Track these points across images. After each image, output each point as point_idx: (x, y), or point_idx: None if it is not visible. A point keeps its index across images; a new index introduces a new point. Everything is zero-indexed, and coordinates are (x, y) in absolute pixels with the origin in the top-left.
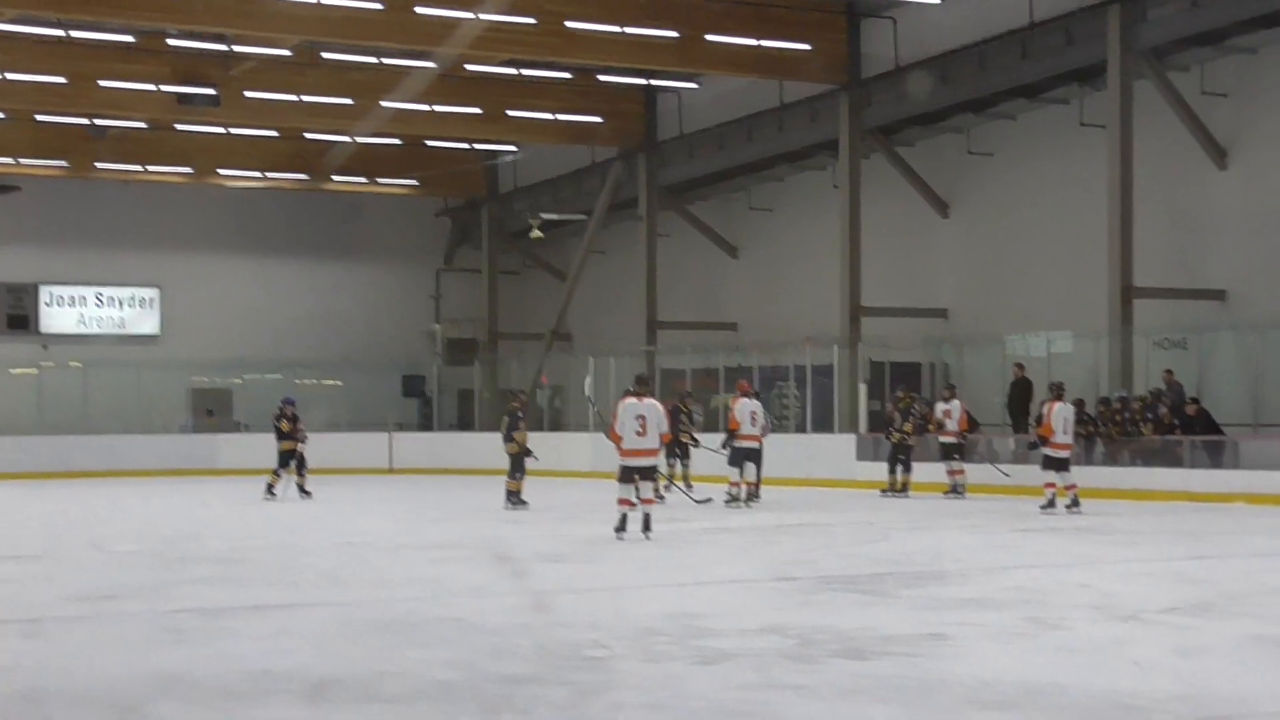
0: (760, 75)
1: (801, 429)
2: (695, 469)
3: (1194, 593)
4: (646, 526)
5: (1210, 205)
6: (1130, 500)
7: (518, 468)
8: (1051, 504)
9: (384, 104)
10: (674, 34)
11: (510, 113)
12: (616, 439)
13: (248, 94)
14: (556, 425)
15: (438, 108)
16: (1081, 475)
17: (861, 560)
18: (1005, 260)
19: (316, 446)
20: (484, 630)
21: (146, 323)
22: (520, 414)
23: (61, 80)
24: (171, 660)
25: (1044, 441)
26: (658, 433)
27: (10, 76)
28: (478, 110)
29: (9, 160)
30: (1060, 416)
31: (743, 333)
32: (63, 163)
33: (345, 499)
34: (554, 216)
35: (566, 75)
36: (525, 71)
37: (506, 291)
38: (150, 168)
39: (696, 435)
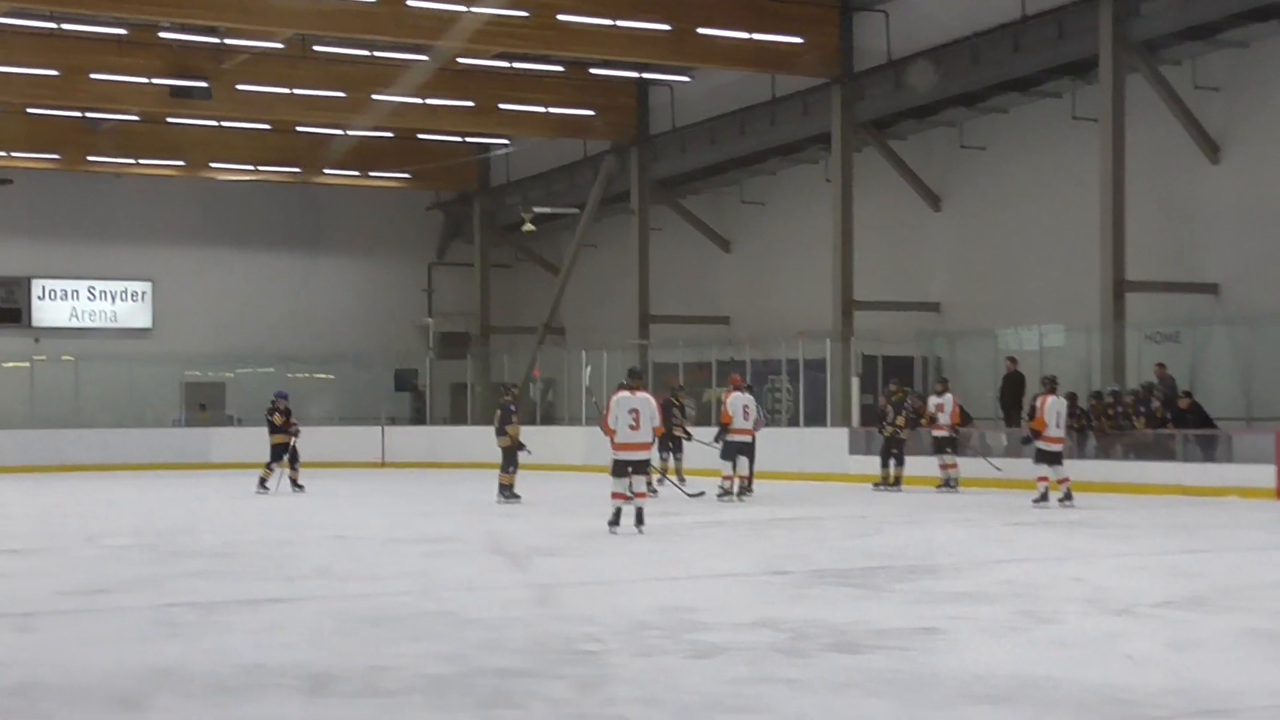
0: (752, 69)
1: (794, 423)
2: (688, 463)
3: (1187, 586)
4: (639, 520)
5: (1202, 199)
6: (1123, 494)
7: (510, 461)
8: (1044, 498)
9: (377, 97)
10: (666, 27)
11: (502, 106)
12: (610, 432)
13: (240, 87)
14: (549, 419)
15: (430, 101)
16: (1074, 469)
17: (854, 554)
18: (997, 254)
19: (309, 440)
20: (477, 624)
21: (139, 316)
22: (513, 407)
23: (53, 73)
24: (165, 654)
25: (1037, 435)
26: (650, 426)
27: (2, 69)
28: (470, 103)
29: (1, 153)
30: (1053, 410)
31: (735, 326)
32: (55, 156)
33: (338, 493)
34: (546, 210)
35: (559, 69)
36: (518, 65)
37: (499, 285)
38: (142, 161)
39: (689, 429)
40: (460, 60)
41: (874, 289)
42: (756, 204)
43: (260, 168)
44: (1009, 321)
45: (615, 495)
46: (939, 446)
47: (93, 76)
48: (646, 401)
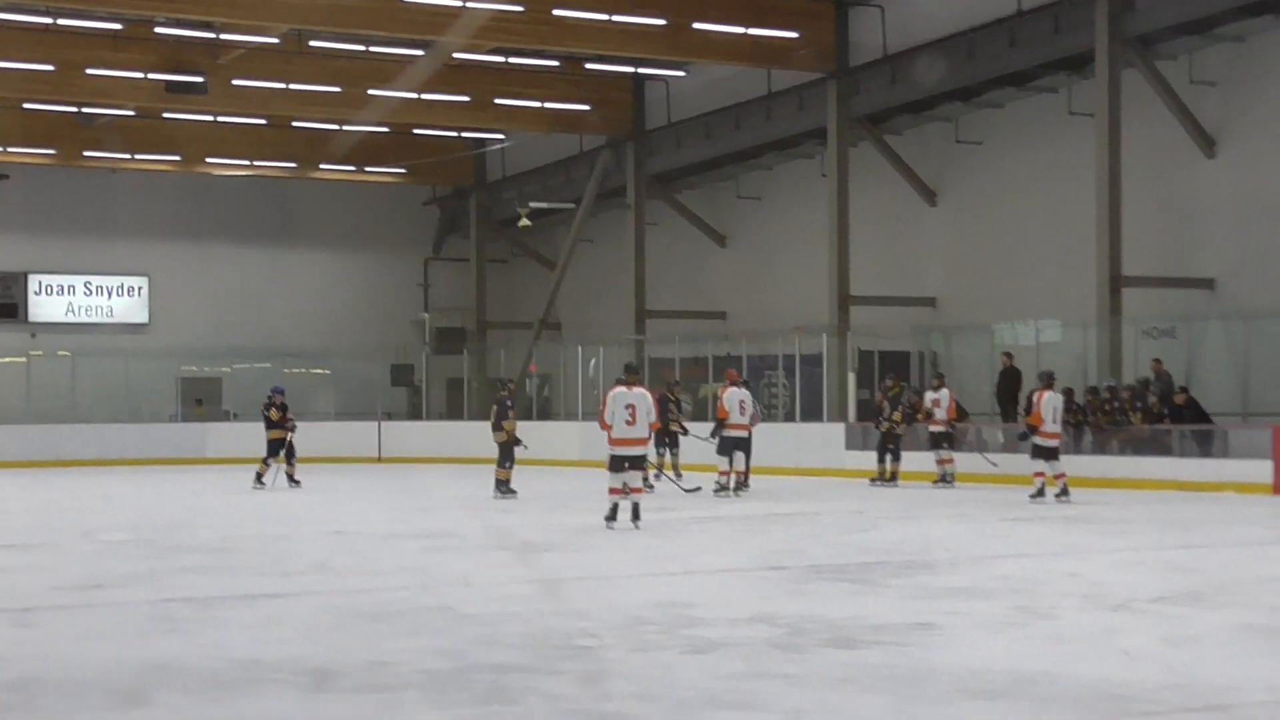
0: (748, 64)
1: (790, 418)
2: (684, 458)
3: (1183, 582)
4: (636, 515)
5: (1199, 194)
6: (1119, 489)
7: (507, 456)
8: (1041, 493)
9: (373, 93)
10: (662, 22)
11: (498, 101)
12: (606, 428)
13: (236, 82)
14: (545, 414)
15: (426, 96)
16: (1070, 464)
17: (851, 549)
18: (994, 249)
19: (306, 435)
20: (474, 619)
21: (135, 311)
22: (509, 403)
23: (49, 68)
24: (163, 649)
25: (1033, 430)
26: (647, 422)
27: None
28: (466, 98)
29: None
30: (1049, 405)
31: (731, 321)
32: (51, 151)
33: (335, 488)
34: (542, 205)
35: (555, 64)
36: (513, 60)
37: (495, 280)
38: (138, 156)
39: (685, 424)
40: (456, 55)
41: (870, 284)
42: (752, 199)
43: (256, 163)
44: (1005, 317)
45: (612, 490)
46: (935, 442)
47: (88, 72)
48: (643, 397)
